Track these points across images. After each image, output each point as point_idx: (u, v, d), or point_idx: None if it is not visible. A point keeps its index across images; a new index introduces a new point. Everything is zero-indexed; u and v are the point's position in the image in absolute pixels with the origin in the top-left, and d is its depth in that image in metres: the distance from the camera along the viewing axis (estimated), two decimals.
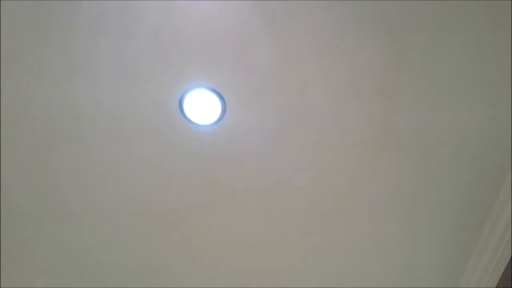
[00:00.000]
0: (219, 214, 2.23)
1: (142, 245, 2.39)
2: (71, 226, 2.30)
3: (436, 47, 1.61)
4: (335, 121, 1.85)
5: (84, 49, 1.69)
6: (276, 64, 1.71)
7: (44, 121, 1.91)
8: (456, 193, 2.04)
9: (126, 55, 1.70)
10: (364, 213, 2.17)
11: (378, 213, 2.16)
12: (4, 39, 1.66)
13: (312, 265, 2.47)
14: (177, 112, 1.86)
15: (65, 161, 2.04)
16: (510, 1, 1.47)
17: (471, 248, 2.26)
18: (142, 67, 1.73)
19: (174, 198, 2.18)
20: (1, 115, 1.89)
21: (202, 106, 1.83)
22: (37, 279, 2.57)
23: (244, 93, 1.79)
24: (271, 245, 2.36)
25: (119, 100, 1.83)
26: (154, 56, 1.70)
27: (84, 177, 2.10)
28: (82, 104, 1.85)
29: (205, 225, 2.29)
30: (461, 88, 1.72)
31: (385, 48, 1.63)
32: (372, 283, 2.50)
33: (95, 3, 1.56)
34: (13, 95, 1.84)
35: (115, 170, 2.07)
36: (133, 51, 1.69)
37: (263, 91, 1.78)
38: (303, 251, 2.39)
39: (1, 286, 2.58)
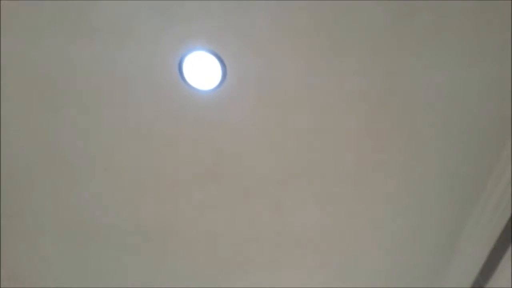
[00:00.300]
0: (219, 179, 2.23)
1: (141, 209, 2.40)
2: (70, 188, 2.30)
3: (441, 8, 1.56)
4: (337, 82, 1.81)
5: (83, 10, 1.64)
6: (278, 30, 1.66)
7: (44, 82, 1.88)
8: (458, 152, 2.03)
9: (125, 16, 1.65)
10: (366, 170, 2.16)
11: (380, 170, 2.14)
12: (4, 1, 1.61)
13: (308, 217, 2.49)
14: (177, 76, 1.81)
15: (64, 123, 2.02)
16: None
17: (472, 206, 2.27)
18: (141, 28, 1.68)
19: (173, 163, 2.17)
20: (1, 76, 1.86)
21: (202, 71, 1.78)
22: (37, 239, 2.61)
23: (245, 58, 1.74)
24: (271, 207, 2.37)
25: (118, 62, 1.79)
26: (154, 17, 1.64)
27: (82, 140, 2.09)
28: (81, 66, 1.81)
29: (205, 190, 2.29)
30: (463, 49, 1.68)
31: (390, 8, 1.57)
32: (374, 230, 2.51)
33: None
34: (13, 56, 1.80)
35: (113, 133, 2.05)
36: (132, 12, 1.63)
37: (265, 56, 1.73)
38: (304, 208, 2.40)
39: (2, 247, 2.61)
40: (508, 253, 2.10)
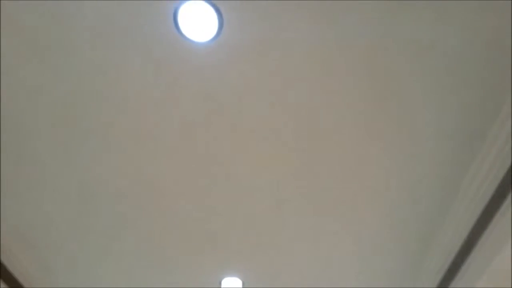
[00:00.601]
0: (216, 130, 2.22)
1: (141, 162, 2.40)
2: (69, 141, 2.29)
3: None
4: (338, 40, 1.78)
5: None
6: None
7: (40, 31, 1.80)
8: (460, 100, 2.04)
9: None
10: (368, 121, 2.18)
11: (381, 119, 2.16)
12: None
13: (306, 177, 2.54)
14: (172, 27, 1.75)
15: (59, 74, 1.96)
16: None
17: (473, 156, 2.31)
18: None
19: (168, 115, 2.15)
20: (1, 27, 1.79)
21: (198, 21, 1.72)
22: (38, 194, 2.62)
23: (242, 8, 1.67)
24: (268, 158, 2.39)
25: (114, 8, 1.71)
26: None
27: (78, 91, 2.04)
28: (74, 16, 1.74)
29: (201, 140, 2.29)
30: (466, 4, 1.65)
31: None
32: (377, 179, 2.59)
33: None
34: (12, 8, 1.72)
35: (108, 84, 2.01)
36: None
37: (261, 7, 1.67)
38: (298, 162, 2.43)
39: (2, 202, 2.63)
40: (503, 207, 2.16)
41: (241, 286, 3.37)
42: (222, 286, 3.37)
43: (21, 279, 3.02)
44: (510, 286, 2.32)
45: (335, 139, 2.23)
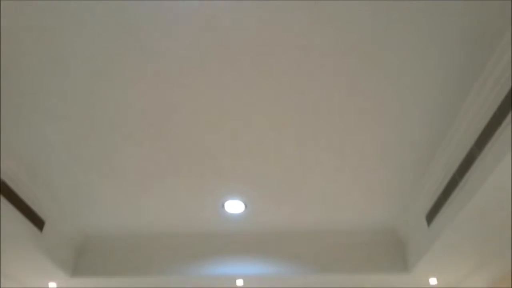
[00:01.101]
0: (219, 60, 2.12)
1: (141, 92, 2.32)
2: (71, 65, 2.19)
3: None
4: None
5: None
6: None
7: None
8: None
9: None
10: (367, 37, 2.07)
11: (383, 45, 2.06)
12: None
13: (306, 104, 2.47)
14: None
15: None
16: None
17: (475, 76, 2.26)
18: None
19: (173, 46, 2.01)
20: None
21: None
22: (37, 118, 2.60)
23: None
24: (270, 89, 2.31)
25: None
26: None
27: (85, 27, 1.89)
28: None
29: (210, 71, 2.18)
30: None
31: None
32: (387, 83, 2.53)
33: None
34: None
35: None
36: None
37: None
38: (298, 90, 2.35)
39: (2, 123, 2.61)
40: (503, 124, 2.15)
41: (243, 208, 3.51)
42: (225, 208, 3.52)
43: (23, 197, 3.14)
44: (509, 198, 2.41)
45: (332, 61, 2.11)
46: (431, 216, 3.16)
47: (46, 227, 3.43)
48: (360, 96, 2.38)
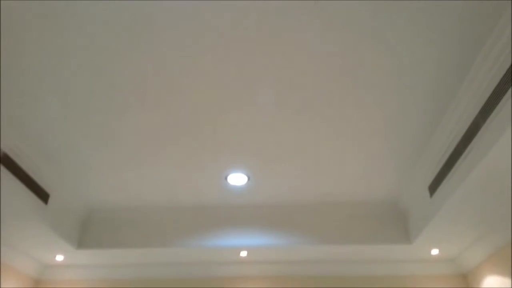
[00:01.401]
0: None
1: (139, 59, 2.29)
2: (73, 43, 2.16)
3: None
4: None
5: None
6: None
7: None
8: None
9: None
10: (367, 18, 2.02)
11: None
12: None
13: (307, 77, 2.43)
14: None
15: None
16: None
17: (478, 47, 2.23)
18: None
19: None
20: None
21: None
22: (46, 97, 2.58)
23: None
24: (271, 62, 2.27)
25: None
26: None
27: None
28: None
29: (202, 40, 2.14)
30: None
31: None
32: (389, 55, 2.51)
33: None
34: None
35: None
36: None
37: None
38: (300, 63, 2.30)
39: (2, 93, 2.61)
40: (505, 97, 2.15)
41: (246, 180, 3.52)
42: (228, 181, 3.53)
43: (27, 170, 3.16)
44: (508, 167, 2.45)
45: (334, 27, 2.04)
46: (433, 186, 3.17)
47: (51, 200, 3.46)
48: (362, 66, 2.33)
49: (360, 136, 2.96)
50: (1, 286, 3.73)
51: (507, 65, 2.13)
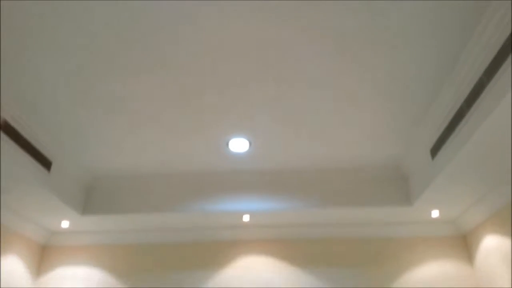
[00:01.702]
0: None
1: (137, 20, 2.23)
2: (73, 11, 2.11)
3: None
4: None
5: None
6: None
7: None
8: None
9: None
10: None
11: None
12: None
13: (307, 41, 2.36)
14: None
15: None
16: None
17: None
18: None
19: None
20: None
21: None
22: (45, 64, 2.53)
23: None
24: (272, 26, 2.19)
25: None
26: None
27: None
28: None
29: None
30: None
31: None
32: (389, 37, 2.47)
33: None
34: None
35: None
36: None
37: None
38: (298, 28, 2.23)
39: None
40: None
41: (247, 146, 3.52)
42: (229, 147, 3.53)
43: (29, 138, 3.17)
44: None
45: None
46: (435, 149, 3.16)
47: (53, 167, 3.48)
48: (363, 30, 2.27)
49: (362, 100, 2.92)
50: (11, 253, 3.82)
51: None
